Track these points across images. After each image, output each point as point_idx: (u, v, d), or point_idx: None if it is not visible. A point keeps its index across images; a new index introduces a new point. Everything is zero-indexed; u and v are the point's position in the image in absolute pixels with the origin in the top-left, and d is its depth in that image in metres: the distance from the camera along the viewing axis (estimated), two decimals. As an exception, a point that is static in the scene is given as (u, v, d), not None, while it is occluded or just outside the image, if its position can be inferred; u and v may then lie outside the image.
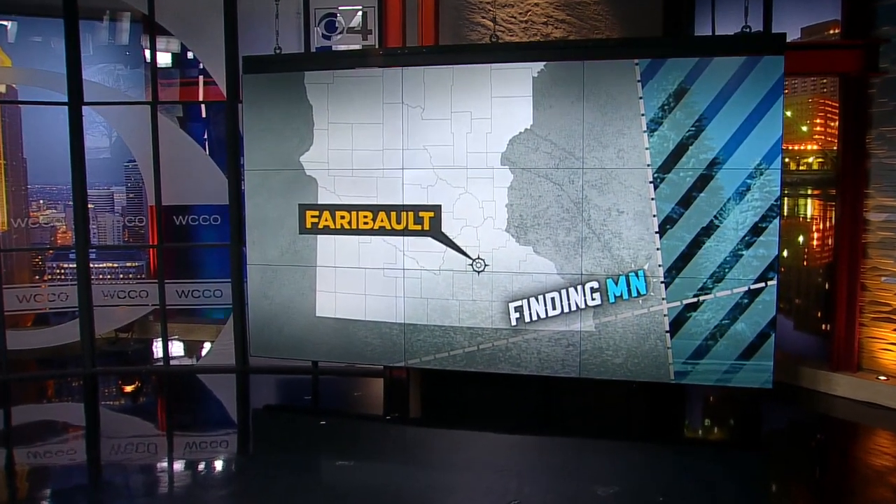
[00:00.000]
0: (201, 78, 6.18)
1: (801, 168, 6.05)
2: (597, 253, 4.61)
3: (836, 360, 5.22)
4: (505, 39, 5.98)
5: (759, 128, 4.35)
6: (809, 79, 6.01)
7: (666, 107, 4.43)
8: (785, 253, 5.81)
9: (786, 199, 5.91)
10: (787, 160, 5.82)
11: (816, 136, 6.07)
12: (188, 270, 6.34)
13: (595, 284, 4.63)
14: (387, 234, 4.99)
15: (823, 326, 5.57)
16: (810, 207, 6.01)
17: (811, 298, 5.83)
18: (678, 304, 4.52)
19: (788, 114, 5.91)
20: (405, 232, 4.95)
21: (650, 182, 4.48)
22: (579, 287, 4.66)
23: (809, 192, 6.08)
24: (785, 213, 5.85)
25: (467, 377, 5.06)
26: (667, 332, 4.55)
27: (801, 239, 6.04)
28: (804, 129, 6.10)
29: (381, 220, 5.00)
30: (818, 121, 6.04)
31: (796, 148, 6.03)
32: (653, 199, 4.48)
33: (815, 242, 5.93)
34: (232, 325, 5.93)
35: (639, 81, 4.45)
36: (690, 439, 4.85)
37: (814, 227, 5.93)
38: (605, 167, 4.54)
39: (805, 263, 5.90)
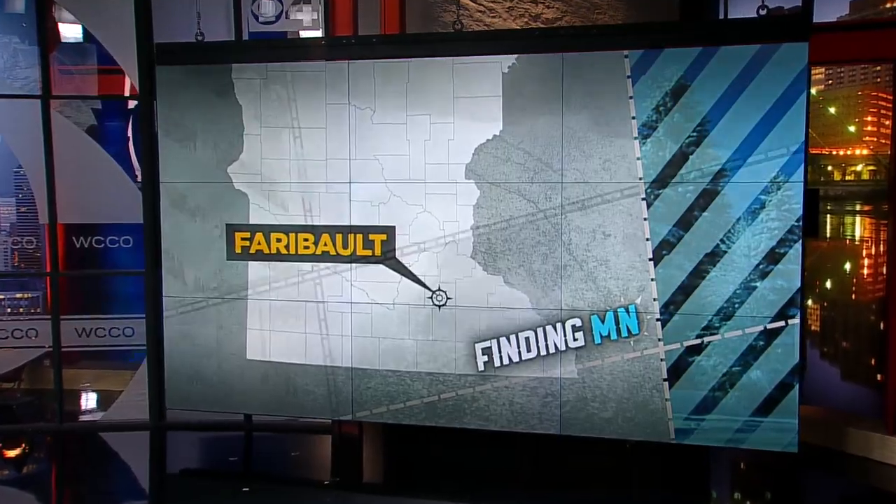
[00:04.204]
0: (110, 68, 6.48)
1: (847, 178, 6.41)
2: (579, 284, 4.87)
3: (893, 419, 5.39)
4: (486, 22, 6.35)
5: (776, 132, 4.59)
6: (859, 67, 6.33)
7: (662, 108, 4.71)
8: (828, 283, 6.12)
9: (828, 216, 6.24)
10: (829, 168, 6.17)
11: (867, 139, 6.42)
12: (93, 304, 6.57)
13: (577, 322, 4.89)
14: (331, 260, 5.26)
15: (877, 376, 5.78)
16: (858, 226, 6.32)
17: (861, 341, 6.09)
18: (678, 346, 4.76)
19: (832, 111, 6.26)
20: (353, 258, 5.23)
21: (642, 199, 4.74)
22: (558, 325, 4.91)
23: (858, 207, 6.40)
24: (827, 234, 6.16)
25: (436, 433, 5.25)
26: (664, 380, 4.79)
27: (847, 266, 6.35)
28: (851, 129, 6.45)
29: (325, 244, 5.29)
30: (869, 119, 6.42)
31: (841, 153, 6.40)
32: (646, 219, 4.75)
33: (865, 270, 6.23)
34: (146, 370, 6.17)
35: (629, 77, 4.73)
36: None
37: (863, 252, 6.23)
38: (589, 181, 4.81)
39: (853, 297, 6.19)
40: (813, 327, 6.07)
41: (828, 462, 5.38)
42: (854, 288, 6.27)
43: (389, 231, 5.17)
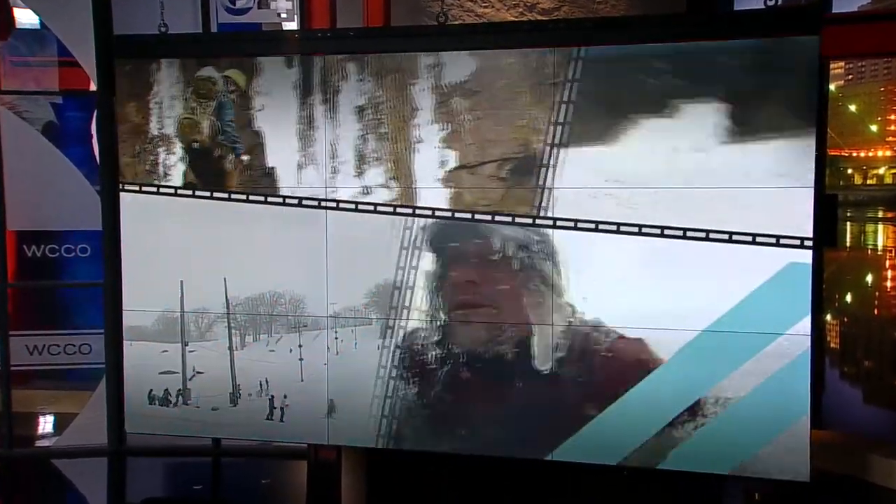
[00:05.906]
0: (72, 60, 6.49)
1: (868, 182, 6.44)
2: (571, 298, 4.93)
3: (920, 447, 5.35)
4: (478, 12, 6.42)
5: (784, 133, 4.54)
6: (881, 61, 6.38)
7: (659, 107, 4.74)
8: (847, 297, 6.15)
9: (848, 223, 6.27)
10: (849, 171, 6.22)
11: (890, 139, 6.45)
12: (46, 318, 6.60)
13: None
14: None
15: (904, 399, 5.82)
16: (881, 235, 6.36)
17: (885, 360, 6.10)
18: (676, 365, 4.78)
19: (852, 108, 6.30)
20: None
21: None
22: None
23: (880, 213, 6.43)
24: (847, 243, 6.19)
25: (423, 458, 5.26)
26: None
27: (869, 278, 6.39)
28: (873, 128, 6.49)
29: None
30: (892, 118, 6.43)
31: (862, 155, 6.44)
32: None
33: (888, 283, 6.26)
34: (104, 390, 6.20)
35: (624, 74, 4.78)
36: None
37: (886, 262, 6.27)
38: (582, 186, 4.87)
39: (876, 311, 6.21)
40: (832, 345, 6.09)
41: (848, 492, 5.38)
42: (877, 302, 6.28)
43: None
